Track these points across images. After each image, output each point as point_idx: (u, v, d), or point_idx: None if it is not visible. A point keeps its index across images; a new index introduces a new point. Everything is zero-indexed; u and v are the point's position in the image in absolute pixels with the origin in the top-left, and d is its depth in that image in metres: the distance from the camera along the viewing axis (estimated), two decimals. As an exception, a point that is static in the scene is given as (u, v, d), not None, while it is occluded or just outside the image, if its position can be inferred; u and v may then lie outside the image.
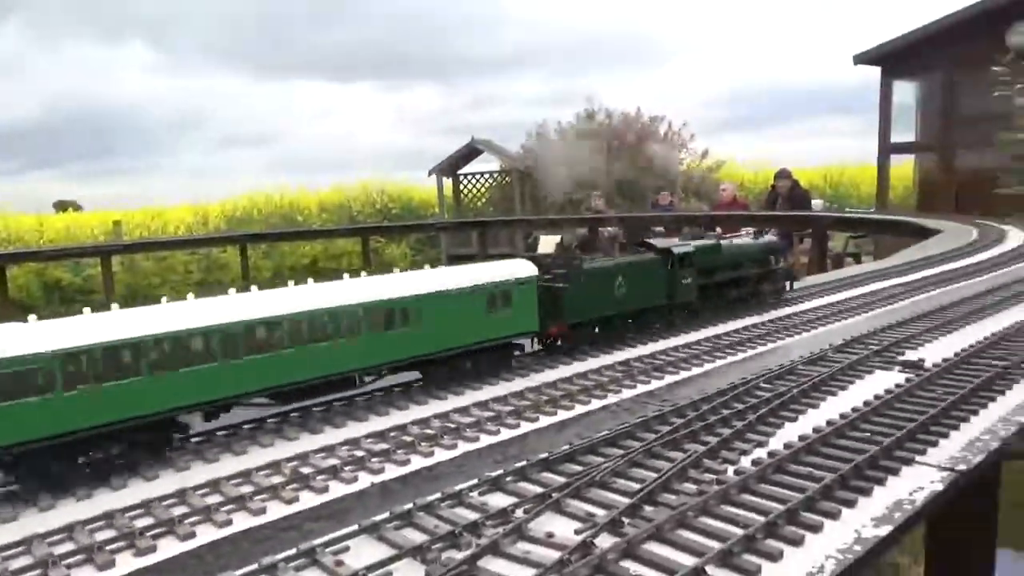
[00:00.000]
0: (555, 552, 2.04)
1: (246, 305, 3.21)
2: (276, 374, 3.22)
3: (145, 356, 2.87)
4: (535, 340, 4.36)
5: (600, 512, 2.29)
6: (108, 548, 2.25)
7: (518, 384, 3.80)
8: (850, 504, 2.32)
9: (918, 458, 2.66)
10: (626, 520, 2.23)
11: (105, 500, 2.62)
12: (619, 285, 4.60)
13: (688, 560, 1.98)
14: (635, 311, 4.73)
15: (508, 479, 2.57)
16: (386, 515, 2.30)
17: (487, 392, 3.70)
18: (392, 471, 2.78)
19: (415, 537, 2.18)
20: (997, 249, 9.15)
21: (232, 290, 3.42)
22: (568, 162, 22.92)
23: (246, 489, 2.61)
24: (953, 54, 17.52)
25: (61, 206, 25.56)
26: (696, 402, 3.25)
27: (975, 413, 3.09)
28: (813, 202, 16.96)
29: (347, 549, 2.15)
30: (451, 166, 25.08)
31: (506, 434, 3.14)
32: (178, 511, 2.46)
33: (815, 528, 2.17)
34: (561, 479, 2.54)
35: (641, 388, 3.72)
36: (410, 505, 2.34)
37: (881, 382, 3.53)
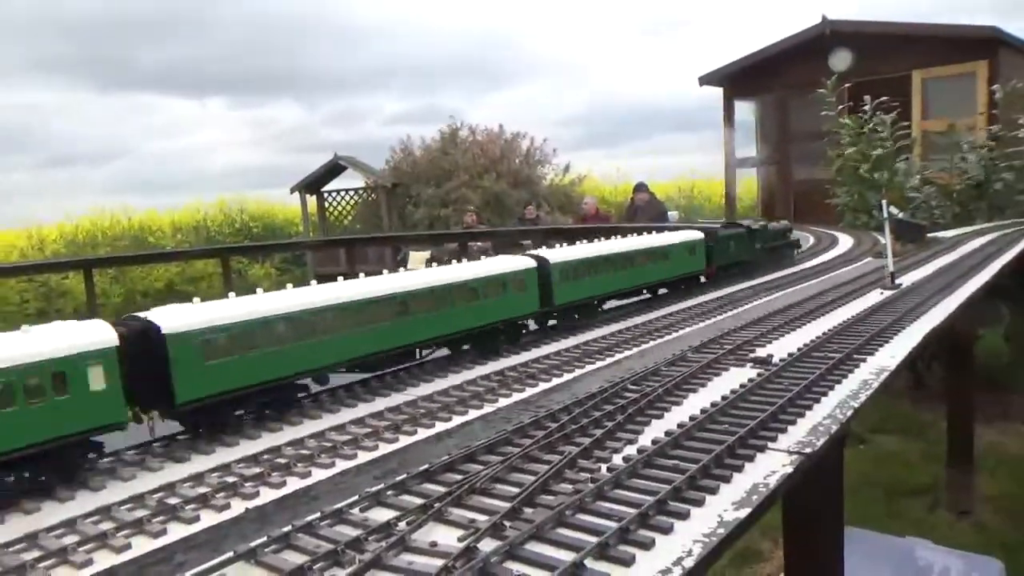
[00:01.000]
0: (439, 560, 2.06)
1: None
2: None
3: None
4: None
5: (482, 518, 2.33)
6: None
7: (395, 399, 3.79)
8: (712, 491, 2.49)
9: (770, 445, 2.90)
10: (507, 523, 2.28)
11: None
12: (733, 246, 7.44)
13: (567, 556, 2.06)
14: (740, 262, 7.64)
15: (389, 493, 2.56)
16: (264, 539, 2.23)
17: (363, 409, 3.66)
18: (268, 495, 2.69)
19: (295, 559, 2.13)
20: (832, 252, 10.09)
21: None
22: (436, 178, 22.95)
23: (107, 526, 2.45)
24: (784, 77, 19.13)
25: None
26: (569, 406, 3.37)
27: (818, 401, 3.39)
28: (669, 213, 17.93)
29: (223, 578, 2.07)
30: (314, 183, 24.52)
31: (384, 449, 3.12)
32: (28, 556, 2.27)
33: (682, 516, 2.32)
34: (442, 489, 2.56)
35: (516, 396, 3.80)
36: (288, 527, 2.28)
37: (736, 378, 3.79)
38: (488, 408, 3.63)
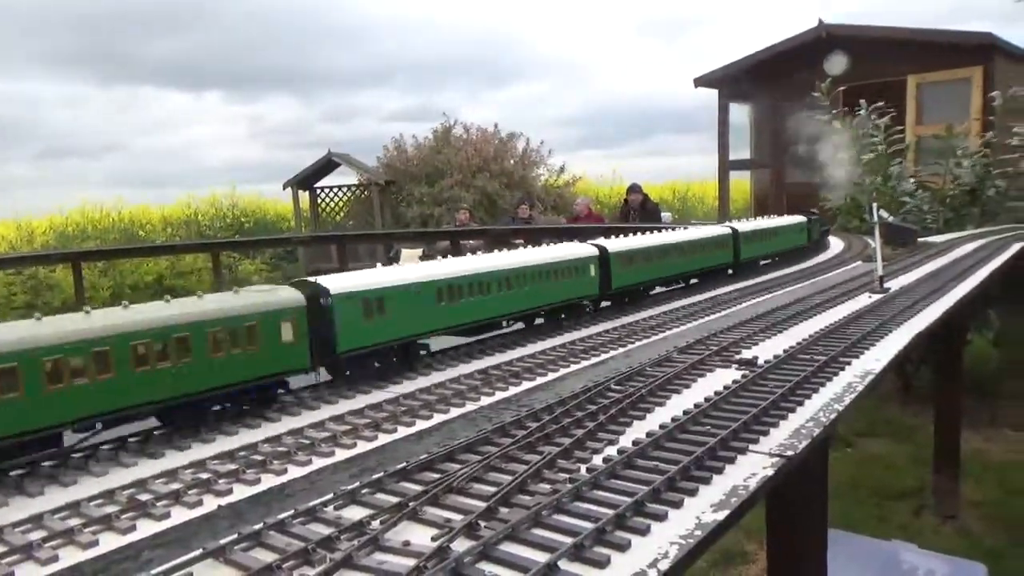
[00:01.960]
0: (411, 560, 2.03)
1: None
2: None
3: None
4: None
5: (457, 517, 2.30)
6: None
7: (376, 396, 3.75)
8: (692, 493, 2.46)
9: (752, 447, 2.87)
10: (482, 523, 2.25)
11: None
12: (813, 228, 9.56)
13: (542, 557, 2.03)
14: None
15: (364, 491, 2.53)
16: (234, 536, 2.19)
17: (344, 406, 3.62)
18: (241, 491, 2.65)
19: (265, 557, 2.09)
20: (823, 256, 10.08)
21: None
22: (428, 176, 22.91)
23: (74, 522, 2.40)
24: (780, 80, 19.15)
25: None
26: (551, 405, 3.34)
27: (801, 404, 3.37)
28: (662, 215, 17.93)
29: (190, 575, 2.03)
30: (307, 179, 24.44)
31: (363, 447, 3.08)
32: (-7, 551, 2.22)
33: (660, 517, 2.29)
34: (419, 487, 2.53)
35: (499, 395, 3.77)
36: (260, 525, 2.24)
37: (720, 379, 3.77)
38: (470, 407, 3.59)
